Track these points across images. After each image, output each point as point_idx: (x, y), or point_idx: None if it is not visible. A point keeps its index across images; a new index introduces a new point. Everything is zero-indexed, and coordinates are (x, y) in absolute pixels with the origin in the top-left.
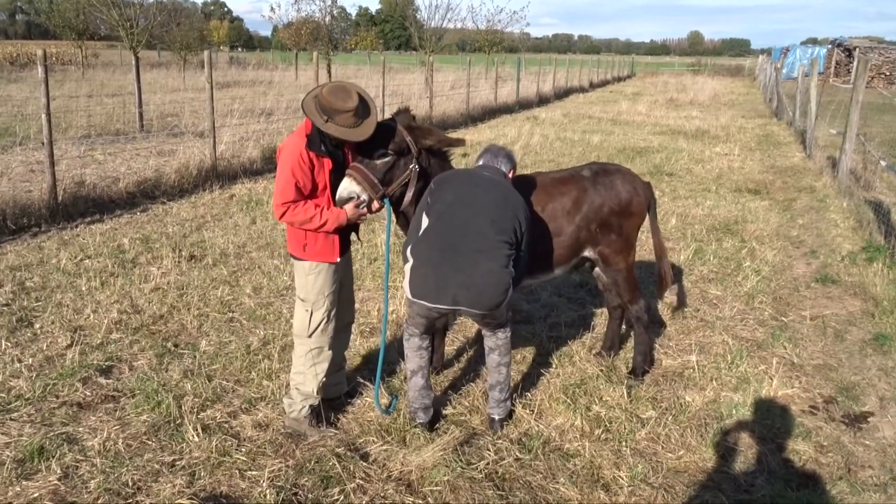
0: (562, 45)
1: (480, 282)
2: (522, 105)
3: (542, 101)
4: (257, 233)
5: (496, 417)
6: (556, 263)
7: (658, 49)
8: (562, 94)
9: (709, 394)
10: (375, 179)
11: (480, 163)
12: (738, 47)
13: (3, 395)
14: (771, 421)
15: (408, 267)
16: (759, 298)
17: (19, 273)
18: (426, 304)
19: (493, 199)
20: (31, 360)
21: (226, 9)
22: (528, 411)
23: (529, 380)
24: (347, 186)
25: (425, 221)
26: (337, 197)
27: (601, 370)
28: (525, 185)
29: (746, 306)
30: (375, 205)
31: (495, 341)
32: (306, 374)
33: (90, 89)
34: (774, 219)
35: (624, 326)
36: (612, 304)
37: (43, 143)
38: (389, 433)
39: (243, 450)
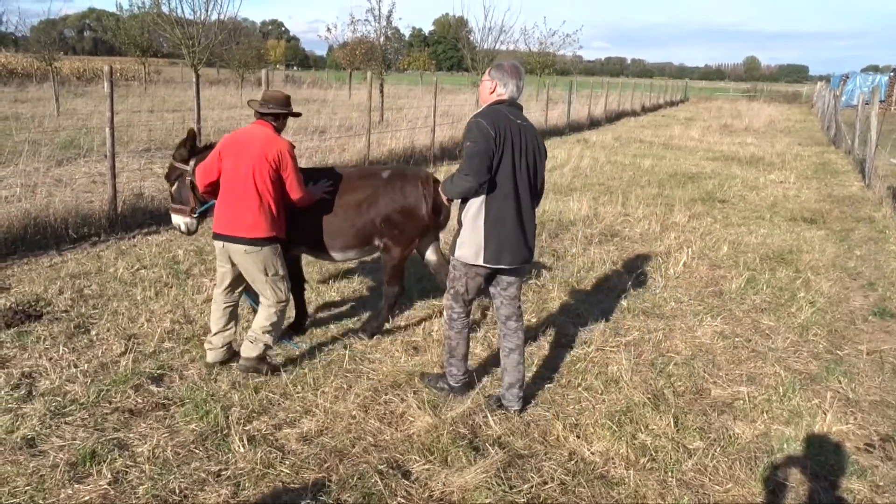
0: (614, 69)
1: (532, 238)
2: (573, 128)
3: (593, 124)
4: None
5: (517, 408)
6: (349, 246)
7: (712, 74)
8: (613, 117)
9: (759, 426)
10: (179, 206)
11: (509, 92)
12: (796, 73)
13: (59, 398)
14: (824, 457)
15: (477, 234)
16: (814, 330)
17: (78, 281)
18: (501, 266)
19: (534, 146)
20: (86, 365)
21: (283, 28)
22: (573, 435)
23: (574, 403)
24: (173, 223)
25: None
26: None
27: (648, 398)
28: (334, 176)
29: (800, 338)
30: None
31: (516, 341)
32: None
33: (152, 104)
34: (831, 249)
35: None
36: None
37: (105, 156)
38: (432, 452)
39: (287, 463)
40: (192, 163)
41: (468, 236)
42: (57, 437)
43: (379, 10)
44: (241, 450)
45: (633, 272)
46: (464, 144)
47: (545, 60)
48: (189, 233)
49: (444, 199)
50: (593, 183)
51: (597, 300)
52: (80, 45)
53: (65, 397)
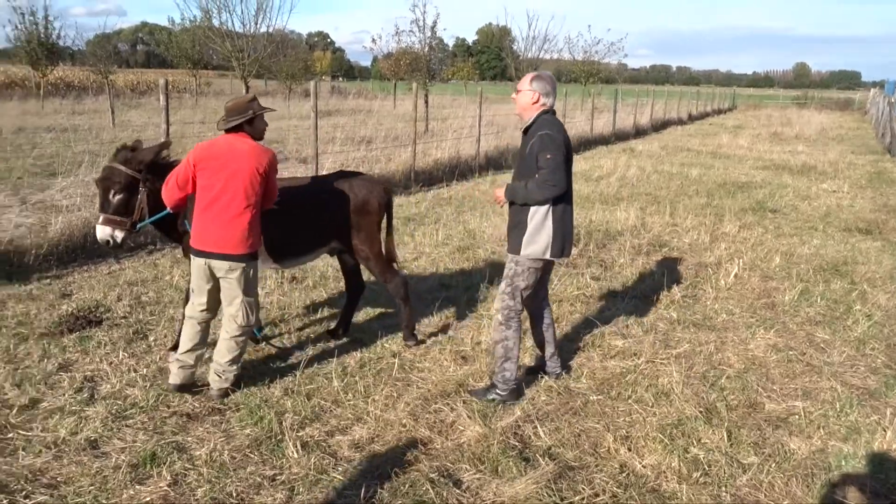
0: (659, 77)
1: None
2: (619, 136)
3: (639, 132)
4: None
5: (560, 371)
6: (312, 249)
7: (761, 81)
8: (659, 126)
9: (816, 442)
10: (118, 217)
11: (551, 102)
12: (848, 79)
13: (120, 402)
14: (885, 475)
15: (546, 232)
16: (871, 344)
17: (136, 288)
18: (563, 258)
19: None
20: (145, 370)
21: (329, 40)
22: (624, 447)
23: (624, 415)
24: (99, 234)
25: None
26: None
27: (700, 411)
28: (299, 185)
29: (857, 352)
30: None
31: (551, 316)
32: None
33: (203, 116)
34: (888, 261)
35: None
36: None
37: None
38: (482, 461)
39: (340, 469)
40: (143, 174)
41: (537, 235)
42: (118, 439)
43: (423, 20)
44: (295, 455)
45: (683, 283)
46: (543, 156)
47: (590, 69)
48: (118, 247)
49: (500, 202)
50: (640, 192)
51: (645, 311)
52: (134, 59)
53: (125, 401)
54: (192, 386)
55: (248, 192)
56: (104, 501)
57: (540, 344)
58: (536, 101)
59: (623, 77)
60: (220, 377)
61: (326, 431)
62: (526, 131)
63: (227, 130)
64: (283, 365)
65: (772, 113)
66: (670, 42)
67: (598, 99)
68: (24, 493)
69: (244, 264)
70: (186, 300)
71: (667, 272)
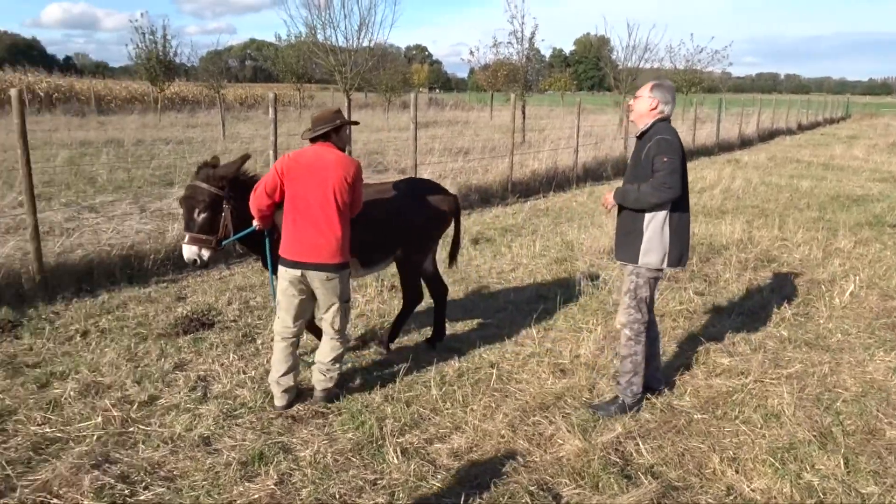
0: (766, 85)
1: None
2: (722, 147)
3: (745, 143)
4: (452, 267)
5: (663, 387)
6: (387, 256)
7: (878, 88)
8: (766, 136)
9: None
10: (203, 236)
11: (669, 110)
12: None
13: (231, 402)
14: None
15: (663, 241)
16: None
17: (245, 293)
18: (679, 267)
19: None
20: (253, 372)
21: (427, 52)
22: (731, 469)
23: (731, 436)
24: (186, 254)
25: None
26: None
27: (814, 436)
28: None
29: None
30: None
31: (657, 329)
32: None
33: (306, 128)
34: None
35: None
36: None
37: None
38: (582, 477)
39: (439, 477)
40: (227, 190)
41: (655, 244)
42: (229, 437)
43: (521, 32)
44: (395, 461)
45: (794, 300)
46: (659, 159)
47: (692, 78)
48: (204, 266)
49: (608, 206)
50: (746, 205)
51: (753, 329)
52: (242, 74)
53: (235, 400)
54: (297, 399)
55: (338, 201)
56: (216, 496)
57: (646, 358)
58: (654, 108)
59: (727, 86)
60: (324, 376)
61: (425, 439)
62: (641, 136)
63: (313, 140)
64: (383, 372)
65: (890, 122)
66: (778, 49)
67: (701, 109)
68: (143, 484)
69: (339, 273)
70: None
71: (776, 288)
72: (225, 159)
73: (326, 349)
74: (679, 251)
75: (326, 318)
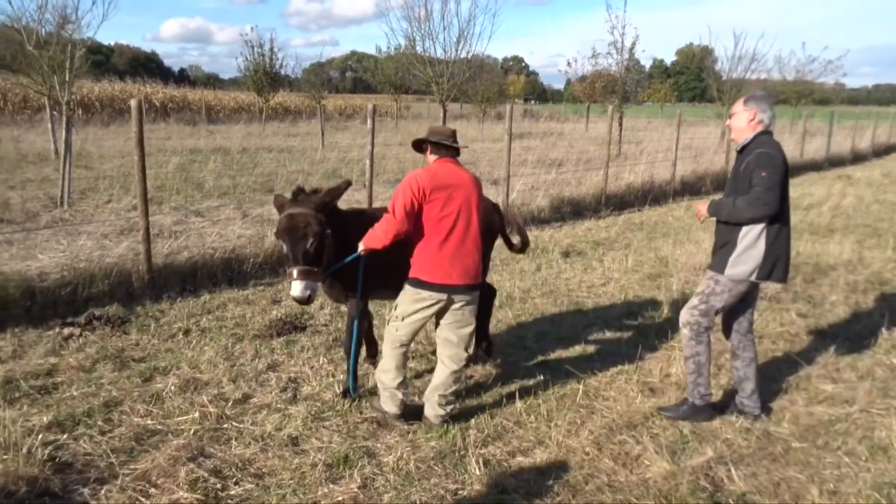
0: (884, 97)
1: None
2: (833, 162)
3: (857, 158)
4: (541, 279)
5: (759, 413)
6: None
7: None
8: (882, 151)
9: None
10: (314, 269)
11: (768, 120)
12: None
13: (319, 404)
14: None
15: (757, 254)
16: None
17: None
18: (769, 281)
19: None
20: (342, 375)
21: (523, 63)
22: (831, 503)
23: (832, 468)
24: (297, 292)
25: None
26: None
27: None
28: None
29: None
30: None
31: (754, 350)
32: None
33: (402, 138)
34: None
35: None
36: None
37: (364, 185)
38: (669, 500)
39: (521, 491)
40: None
41: (746, 255)
42: (316, 438)
43: (622, 42)
44: (478, 472)
45: None
46: (757, 175)
47: (802, 89)
48: (310, 302)
49: (702, 218)
50: (857, 224)
51: (860, 355)
52: (343, 84)
53: (323, 403)
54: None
55: (478, 218)
56: (301, 496)
57: (739, 380)
58: (753, 120)
59: (840, 98)
60: (444, 410)
61: (508, 451)
62: (742, 150)
63: (438, 154)
64: (468, 382)
65: None
66: None
67: (810, 122)
68: (234, 479)
69: (477, 294)
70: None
71: (887, 313)
72: (322, 168)
73: (450, 380)
74: (772, 265)
75: (455, 342)
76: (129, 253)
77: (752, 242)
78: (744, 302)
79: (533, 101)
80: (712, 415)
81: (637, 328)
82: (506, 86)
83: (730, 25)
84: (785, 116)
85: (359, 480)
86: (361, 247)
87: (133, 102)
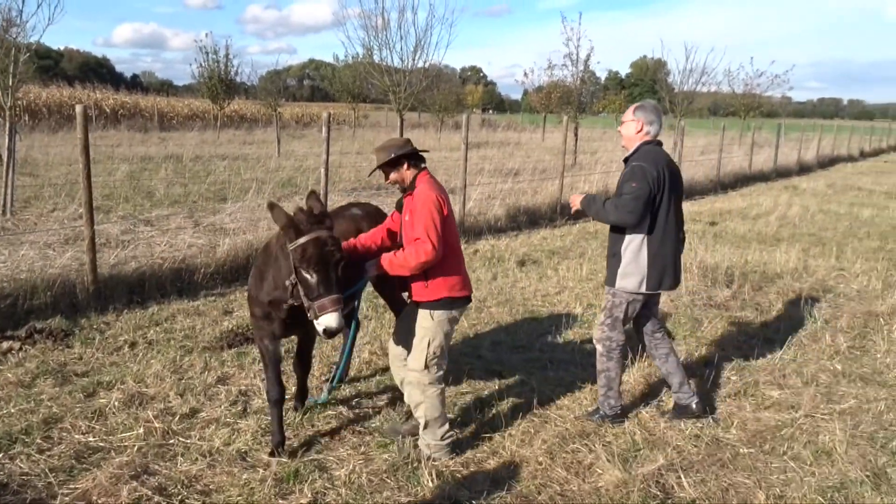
0: (828, 111)
1: (680, 264)
2: (780, 173)
3: (803, 169)
4: (497, 289)
5: (696, 401)
6: None
7: None
8: (826, 162)
9: None
10: (341, 295)
11: (654, 131)
12: None
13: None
14: None
15: (640, 265)
16: None
17: None
18: (659, 291)
19: (679, 180)
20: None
21: (481, 74)
22: None
23: (778, 472)
24: (336, 323)
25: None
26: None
27: (867, 475)
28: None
29: None
30: None
31: (667, 346)
32: None
33: (359, 147)
34: None
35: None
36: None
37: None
38: None
39: (474, 502)
40: None
41: (632, 268)
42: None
43: (577, 54)
44: (430, 484)
45: (849, 333)
46: (628, 185)
47: (750, 102)
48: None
49: (574, 205)
50: (803, 233)
51: (805, 361)
52: (300, 93)
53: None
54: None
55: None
56: None
57: (666, 376)
58: (640, 131)
59: (787, 111)
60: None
61: (461, 462)
62: (626, 160)
63: (417, 169)
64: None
65: None
66: (842, 73)
67: (759, 133)
68: (179, 497)
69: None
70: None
71: (831, 320)
72: (278, 176)
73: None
74: (659, 275)
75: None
76: (73, 263)
77: (635, 254)
78: (646, 307)
79: (491, 111)
80: (623, 421)
81: (590, 337)
82: (464, 95)
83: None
84: (734, 128)
85: (309, 495)
86: (372, 271)
87: (78, 108)
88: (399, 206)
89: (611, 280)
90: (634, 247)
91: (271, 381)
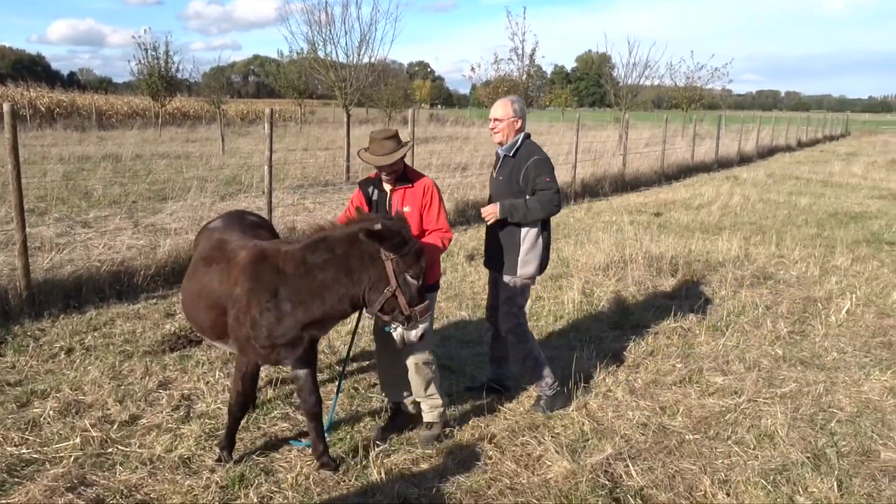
0: (766, 102)
1: None
2: (721, 164)
3: (744, 160)
4: (446, 283)
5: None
6: None
7: (877, 106)
8: (765, 153)
9: None
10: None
11: (524, 125)
12: None
13: (213, 421)
14: None
15: (537, 253)
16: None
17: None
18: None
19: None
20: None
21: (429, 69)
22: (722, 492)
23: (723, 457)
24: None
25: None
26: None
27: (807, 457)
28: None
29: None
30: None
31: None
32: None
33: (306, 143)
34: None
35: None
36: None
37: (264, 192)
38: (570, 500)
39: (424, 500)
40: None
41: (532, 256)
42: (210, 458)
43: (522, 49)
44: (379, 482)
45: (789, 318)
46: (541, 179)
47: (692, 95)
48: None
49: (489, 219)
50: (744, 222)
51: (747, 347)
52: (245, 89)
53: (218, 420)
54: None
55: None
56: None
57: (498, 359)
58: (519, 126)
59: (727, 103)
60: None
61: (412, 460)
62: (514, 154)
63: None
64: (368, 392)
65: (889, 139)
66: (779, 66)
67: (700, 125)
68: None
69: None
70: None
71: (771, 306)
72: (222, 174)
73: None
74: (546, 259)
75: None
76: (4, 268)
77: (533, 242)
78: (496, 289)
79: (439, 106)
80: (567, 399)
81: (539, 329)
82: (411, 91)
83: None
84: (677, 120)
85: (255, 500)
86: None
87: (6, 106)
88: (369, 198)
89: (511, 269)
90: (532, 235)
91: (246, 396)
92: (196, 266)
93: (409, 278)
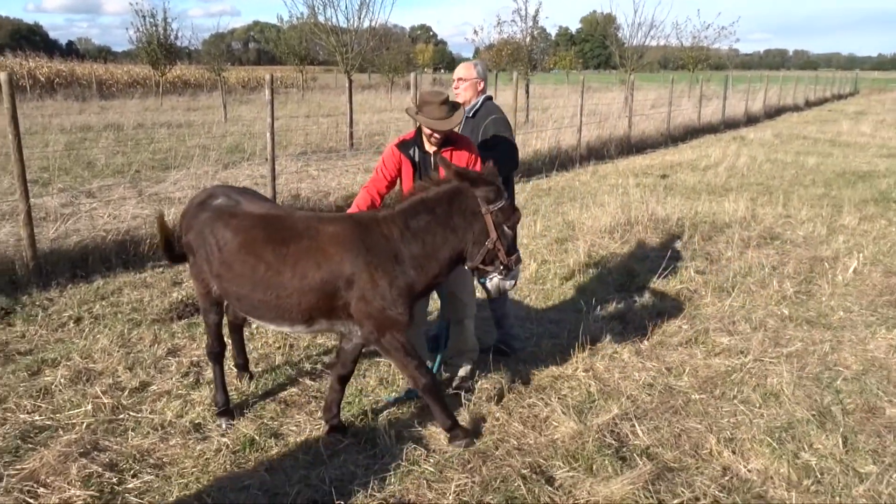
0: (774, 62)
1: None
2: (728, 125)
3: (751, 120)
4: None
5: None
6: None
7: (887, 64)
8: (773, 113)
9: None
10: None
11: (485, 87)
12: None
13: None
14: None
15: None
16: None
17: None
18: None
19: None
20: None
21: (431, 32)
22: (728, 450)
23: (728, 416)
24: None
25: None
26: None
27: (812, 415)
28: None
29: None
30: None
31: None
32: None
33: (308, 110)
34: None
35: None
36: None
37: (267, 159)
38: (576, 459)
39: (431, 461)
40: None
41: None
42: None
43: (525, 10)
44: (388, 445)
45: (796, 278)
46: (502, 137)
47: (698, 55)
48: None
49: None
50: (751, 182)
51: (753, 307)
52: (245, 56)
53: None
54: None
55: None
56: (205, 483)
57: (499, 320)
58: (482, 88)
59: (734, 63)
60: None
61: (419, 422)
62: (474, 115)
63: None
64: (374, 358)
65: None
66: (787, 25)
67: (707, 86)
68: (132, 472)
69: None
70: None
71: (778, 266)
72: (225, 142)
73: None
74: None
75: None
76: (10, 239)
77: None
78: None
79: (442, 70)
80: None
81: (545, 292)
82: (414, 55)
83: None
84: (683, 81)
85: (266, 464)
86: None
87: (2, 76)
88: (411, 157)
89: None
90: None
91: (423, 363)
92: (253, 251)
93: (506, 229)
